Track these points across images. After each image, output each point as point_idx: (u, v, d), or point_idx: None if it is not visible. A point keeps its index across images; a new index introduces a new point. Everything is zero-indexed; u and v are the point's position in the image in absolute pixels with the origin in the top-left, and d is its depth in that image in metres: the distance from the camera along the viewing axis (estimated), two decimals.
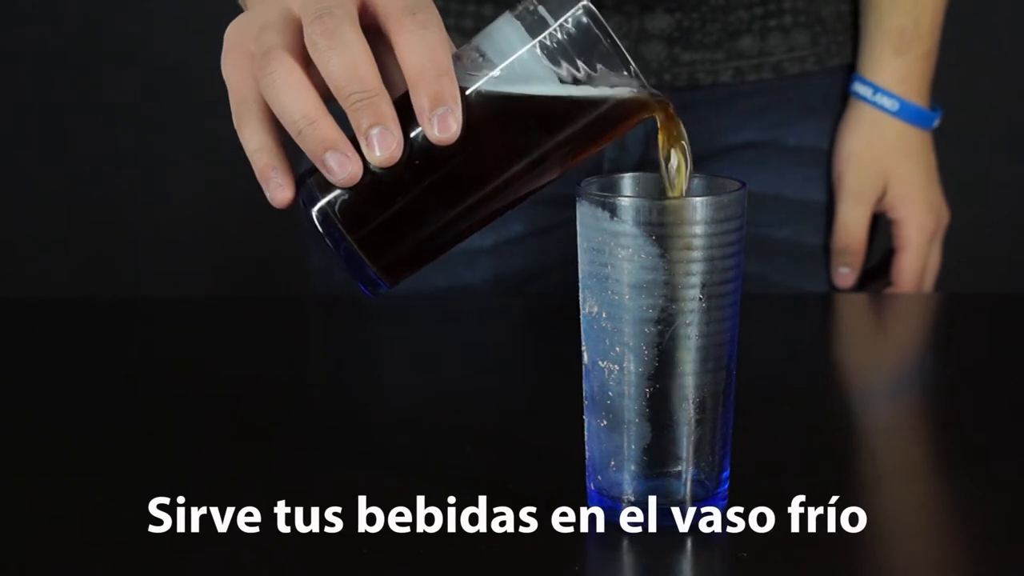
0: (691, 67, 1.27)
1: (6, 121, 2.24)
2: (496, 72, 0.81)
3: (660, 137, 0.83)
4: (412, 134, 0.81)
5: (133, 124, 2.24)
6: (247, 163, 0.84)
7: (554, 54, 0.81)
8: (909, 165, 1.32)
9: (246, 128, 0.84)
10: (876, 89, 1.31)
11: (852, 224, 1.32)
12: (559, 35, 0.81)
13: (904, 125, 1.31)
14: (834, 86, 1.33)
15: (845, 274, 1.33)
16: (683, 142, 0.83)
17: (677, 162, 0.83)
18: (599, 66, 0.81)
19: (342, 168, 0.80)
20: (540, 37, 0.81)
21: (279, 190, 0.83)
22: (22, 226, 2.27)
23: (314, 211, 0.82)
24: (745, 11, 1.27)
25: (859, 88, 1.32)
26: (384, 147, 0.80)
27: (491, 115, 0.81)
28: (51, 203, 2.27)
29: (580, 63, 0.81)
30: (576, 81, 0.81)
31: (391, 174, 0.81)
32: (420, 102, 0.80)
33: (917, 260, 1.33)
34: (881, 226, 1.35)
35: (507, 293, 1.30)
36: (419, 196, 0.82)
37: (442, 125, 0.79)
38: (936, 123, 1.33)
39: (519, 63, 0.81)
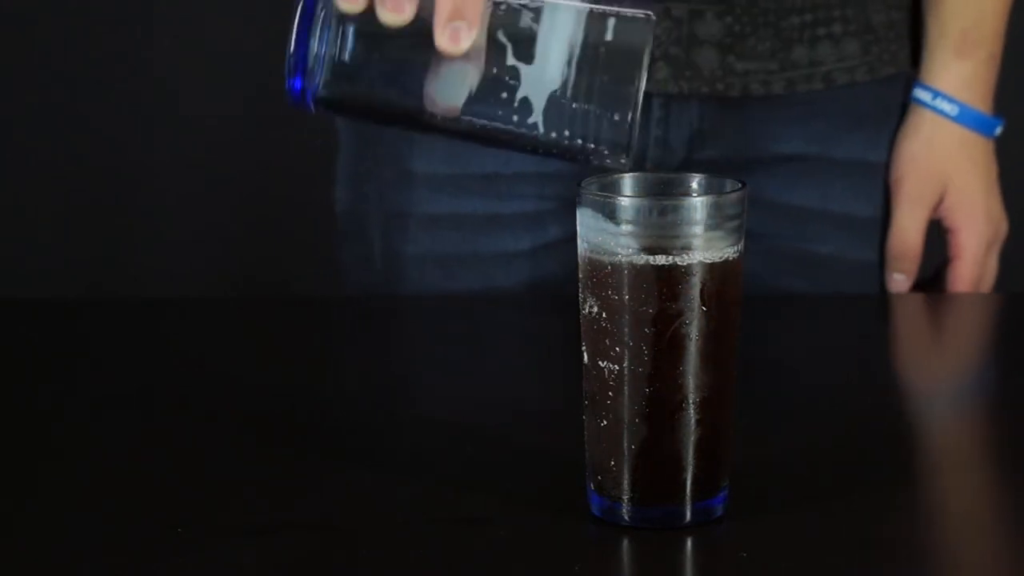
0: (745, 77, 1.24)
1: (6, 121, 2.24)
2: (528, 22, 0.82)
3: None
4: (424, 19, 0.82)
5: (134, 123, 2.24)
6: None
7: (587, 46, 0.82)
8: (968, 172, 1.29)
9: None
10: (936, 94, 1.27)
11: (909, 229, 1.28)
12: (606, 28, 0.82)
13: (965, 131, 1.28)
14: (885, 97, 1.29)
15: (900, 280, 1.29)
16: None
17: None
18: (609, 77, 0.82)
19: None
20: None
21: None
22: (22, 226, 2.27)
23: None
24: (796, 16, 1.24)
25: (919, 93, 1.28)
26: (396, 8, 0.81)
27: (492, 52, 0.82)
28: (51, 203, 2.27)
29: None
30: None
31: (387, 35, 0.82)
32: (443, 4, 0.81)
33: (973, 269, 1.29)
34: (932, 236, 1.32)
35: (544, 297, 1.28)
36: (393, 68, 0.83)
37: (453, 36, 0.81)
38: (998, 131, 1.29)
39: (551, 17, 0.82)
